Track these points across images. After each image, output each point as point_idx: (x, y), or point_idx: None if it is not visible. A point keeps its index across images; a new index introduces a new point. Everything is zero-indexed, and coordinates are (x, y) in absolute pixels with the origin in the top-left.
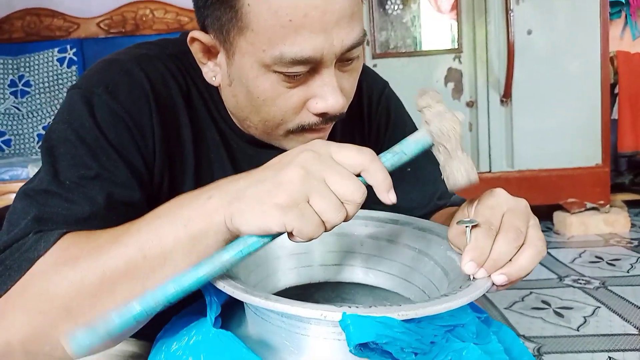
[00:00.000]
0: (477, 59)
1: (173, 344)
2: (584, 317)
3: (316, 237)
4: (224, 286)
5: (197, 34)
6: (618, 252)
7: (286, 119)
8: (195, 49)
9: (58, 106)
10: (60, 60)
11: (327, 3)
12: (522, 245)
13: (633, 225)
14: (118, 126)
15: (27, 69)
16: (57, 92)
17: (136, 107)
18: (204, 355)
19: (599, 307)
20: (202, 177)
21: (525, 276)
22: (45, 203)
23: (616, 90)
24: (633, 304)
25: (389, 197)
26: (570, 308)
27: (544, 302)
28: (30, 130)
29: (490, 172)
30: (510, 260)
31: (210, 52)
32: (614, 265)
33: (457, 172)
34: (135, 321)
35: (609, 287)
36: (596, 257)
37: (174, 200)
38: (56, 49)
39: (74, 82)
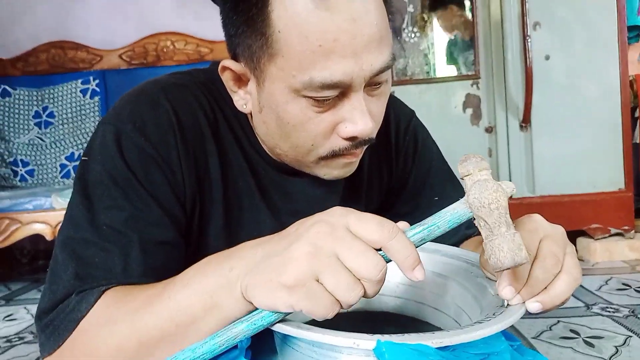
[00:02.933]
0: (495, 84)
1: None
2: (616, 346)
3: (331, 316)
4: None
5: (228, 62)
6: None
7: (317, 144)
8: (226, 78)
9: (81, 136)
10: (84, 92)
11: (356, 27)
12: (558, 273)
13: None
14: (148, 165)
15: (51, 100)
16: (80, 122)
17: (164, 142)
18: None
19: (631, 337)
20: (230, 206)
21: (560, 305)
22: (83, 254)
23: (636, 114)
24: None
25: (414, 275)
26: (601, 337)
27: (572, 331)
28: (54, 160)
29: (511, 198)
30: (546, 287)
31: (240, 80)
32: None
33: (498, 252)
34: None
35: (639, 316)
36: (623, 284)
37: (201, 266)
38: (79, 81)
39: (105, 115)
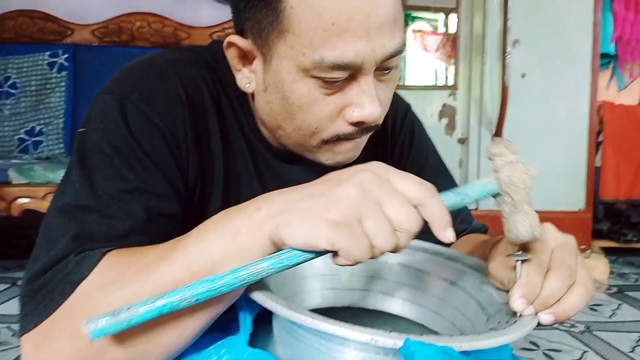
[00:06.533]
0: (471, 97)
1: None
2: None
3: (362, 261)
4: (266, 300)
5: (234, 38)
6: (599, 297)
7: (321, 127)
8: (231, 55)
9: (44, 111)
10: (51, 65)
11: (372, 7)
12: (572, 285)
13: (611, 272)
14: (154, 135)
15: (15, 71)
16: (43, 96)
17: (171, 114)
18: None
19: (587, 352)
20: (230, 188)
21: (572, 317)
22: (84, 219)
23: (600, 138)
24: (619, 350)
25: (446, 234)
26: (559, 351)
27: (532, 342)
28: (12, 133)
29: (477, 209)
30: (559, 299)
31: (246, 58)
32: (596, 310)
33: (520, 226)
34: (159, 314)
35: (594, 332)
36: None
37: (221, 213)
38: (47, 53)
39: (102, 87)
